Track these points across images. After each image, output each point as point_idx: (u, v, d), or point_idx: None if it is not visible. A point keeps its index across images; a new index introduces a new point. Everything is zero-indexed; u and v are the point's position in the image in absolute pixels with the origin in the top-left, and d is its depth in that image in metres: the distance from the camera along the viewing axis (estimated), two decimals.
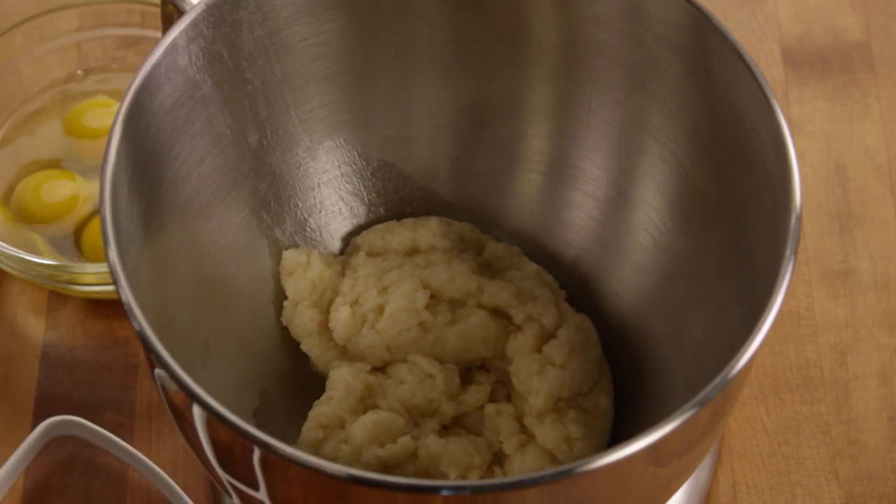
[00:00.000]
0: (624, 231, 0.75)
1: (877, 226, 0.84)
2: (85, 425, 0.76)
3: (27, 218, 0.82)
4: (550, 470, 0.56)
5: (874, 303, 0.82)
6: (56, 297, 0.82)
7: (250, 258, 0.74)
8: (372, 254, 0.76)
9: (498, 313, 0.74)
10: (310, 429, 0.71)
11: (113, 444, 0.76)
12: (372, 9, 0.72)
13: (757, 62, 0.79)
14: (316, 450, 0.70)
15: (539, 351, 0.73)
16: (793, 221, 0.61)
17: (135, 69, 0.71)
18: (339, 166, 0.76)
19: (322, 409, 0.71)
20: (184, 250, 0.70)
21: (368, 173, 0.77)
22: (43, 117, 0.86)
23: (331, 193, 0.76)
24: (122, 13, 0.87)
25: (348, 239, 0.77)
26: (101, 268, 0.78)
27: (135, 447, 0.77)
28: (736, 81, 0.66)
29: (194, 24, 0.67)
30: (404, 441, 0.69)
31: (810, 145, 0.87)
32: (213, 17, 0.68)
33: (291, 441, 0.71)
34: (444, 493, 0.56)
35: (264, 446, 0.57)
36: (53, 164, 0.84)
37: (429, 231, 0.76)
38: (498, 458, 0.72)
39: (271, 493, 0.60)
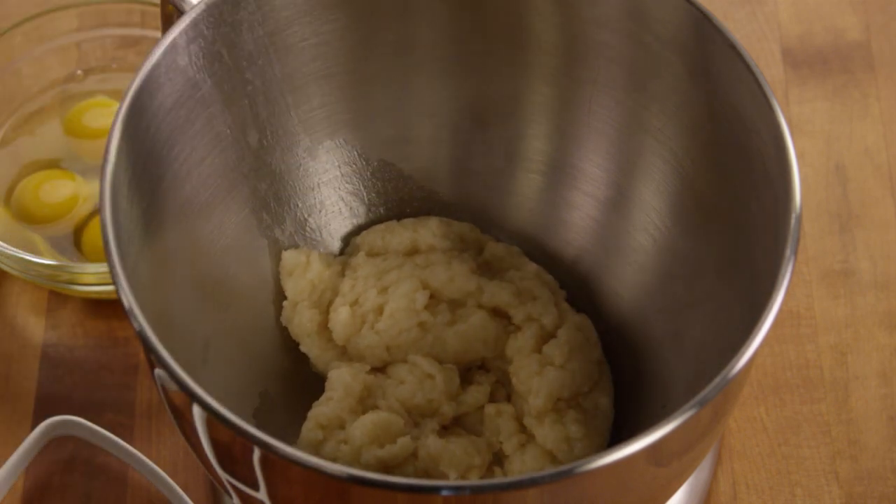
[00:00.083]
0: (624, 231, 0.75)
1: (877, 226, 0.84)
2: (85, 425, 0.76)
3: (27, 218, 0.82)
4: (550, 470, 0.56)
5: (874, 303, 0.82)
6: (56, 297, 0.82)
7: (250, 258, 0.74)
8: (372, 254, 0.76)
9: (498, 313, 0.74)
10: (309, 429, 0.71)
11: (113, 444, 0.76)
12: (372, 9, 0.72)
13: (757, 62, 0.79)
14: (315, 450, 0.70)
15: (539, 351, 0.73)
16: (793, 221, 0.61)
17: (135, 69, 0.72)
18: (339, 166, 0.76)
19: (321, 410, 0.71)
20: (184, 250, 0.70)
21: (368, 173, 0.77)
22: (43, 117, 0.86)
23: (331, 193, 0.76)
24: (122, 13, 0.87)
25: (348, 239, 0.77)
26: (101, 268, 0.78)
27: (135, 447, 0.77)
28: (736, 81, 0.66)
29: (194, 24, 0.67)
30: (404, 441, 0.69)
31: (810, 145, 0.87)
32: (213, 17, 0.68)
33: (291, 441, 0.71)
34: (444, 493, 0.56)
35: (264, 446, 0.57)
36: (53, 164, 0.84)
37: (429, 231, 0.76)
38: (498, 459, 0.72)
39: (271, 493, 0.60)
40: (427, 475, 0.69)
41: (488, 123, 0.76)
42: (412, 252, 0.76)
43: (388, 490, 0.56)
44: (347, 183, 0.77)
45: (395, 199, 0.78)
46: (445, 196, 0.78)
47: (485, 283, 0.74)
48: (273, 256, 0.75)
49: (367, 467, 0.69)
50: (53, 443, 0.77)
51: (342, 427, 0.71)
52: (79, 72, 0.87)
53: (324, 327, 0.74)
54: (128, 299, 0.60)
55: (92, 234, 0.82)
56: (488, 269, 0.76)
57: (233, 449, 0.59)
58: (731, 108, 0.67)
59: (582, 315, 0.75)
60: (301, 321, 0.74)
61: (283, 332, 0.75)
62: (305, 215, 0.76)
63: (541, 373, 0.72)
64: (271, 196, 0.74)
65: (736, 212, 0.68)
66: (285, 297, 0.75)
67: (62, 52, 0.87)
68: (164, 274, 0.68)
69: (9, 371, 0.80)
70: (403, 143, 0.77)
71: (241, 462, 0.59)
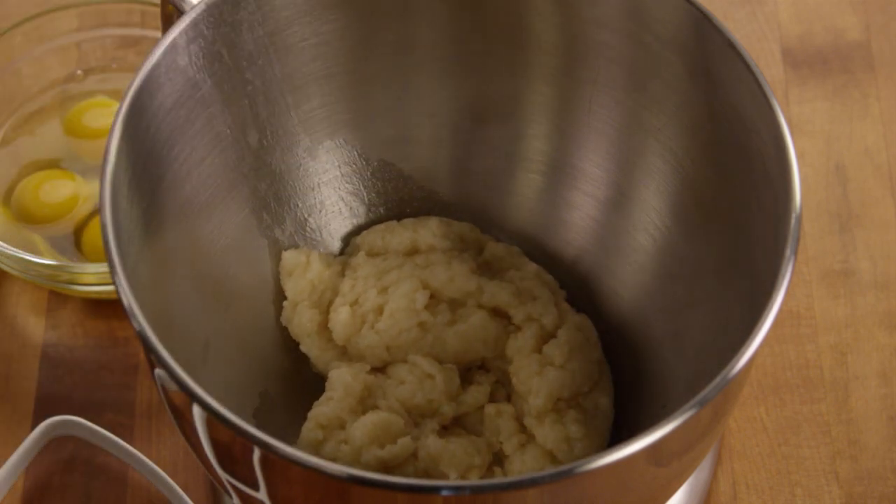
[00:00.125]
0: (624, 231, 0.75)
1: (877, 226, 0.84)
2: (85, 425, 0.76)
3: (27, 218, 0.82)
4: (550, 470, 0.56)
5: (874, 303, 0.82)
6: (56, 297, 0.82)
7: (250, 258, 0.74)
8: (372, 254, 0.76)
9: (498, 313, 0.74)
10: (309, 429, 0.71)
11: (113, 444, 0.76)
12: (372, 9, 0.72)
13: (757, 62, 0.79)
14: (316, 450, 0.70)
15: (539, 351, 0.73)
16: (793, 221, 0.61)
17: (135, 69, 0.72)
18: (339, 166, 0.76)
19: (322, 410, 0.71)
20: (184, 250, 0.70)
21: (368, 173, 0.77)
22: (43, 117, 0.86)
23: (331, 193, 0.76)
24: (122, 13, 0.87)
25: (348, 239, 0.77)
26: (101, 268, 0.78)
27: (135, 447, 0.77)
28: (736, 81, 0.66)
29: (194, 24, 0.67)
30: (404, 441, 0.69)
31: (810, 145, 0.87)
32: (213, 17, 0.68)
33: (291, 441, 0.71)
34: (444, 493, 0.56)
35: (264, 446, 0.57)
36: (53, 164, 0.84)
37: (429, 231, 0.76)
38: (498, 459, 0.72)
39: (271, 493, 0.60)
40: (427, 475, 0.69)
41: (488, 123, 0.76)
42: (412, 252, 0.76)
43: (388, 490, 0.56)
44: (347, 183, 0.77)
45: (395, 199, 0.78)
46: (445, 196, 0.78)
47: (485, 283, 0.74)
48: (273, 256, 0.75)
49: (367, 467, 0.69)
50: (53, 443, 0.77)
51: (342, 427, 0.71)
52: (79, 72, 0.87)
53: (324, 327, 0.74)
54: (128, 299, 0.60)
55: (92, 234, 0.82)
56: (488, 269, 0.76)
57: (233, 449, 0.59)
58: (731, 108, 0.67)
59: (582, 315, 0.75)
60: (301, 321, 0.74)
61: (283, 332, 0.75)
62: (305, 215, 0.76)
63: (541, 373, 0.72)
64: (271, 196, 0.74)
65: (736, 212, 0.68)
66: (285, 297, 0.75)
67: (62, 52, 0.87)
68: (164, 274, 0.68)
69: (9, 371, 0.80)
70: (403, 143, 0.77)
71: (241, 462, 0.59)
